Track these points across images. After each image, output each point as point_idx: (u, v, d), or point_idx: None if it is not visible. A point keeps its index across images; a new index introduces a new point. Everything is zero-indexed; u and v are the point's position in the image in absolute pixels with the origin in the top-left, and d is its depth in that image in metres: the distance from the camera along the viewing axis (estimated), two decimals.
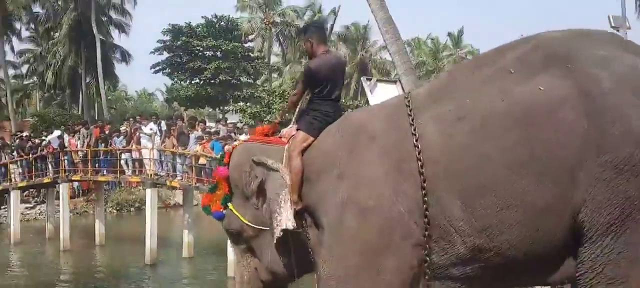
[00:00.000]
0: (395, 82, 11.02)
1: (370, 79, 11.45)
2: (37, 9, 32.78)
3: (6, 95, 31.01)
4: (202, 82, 33.88)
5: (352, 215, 2.86)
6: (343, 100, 21.33)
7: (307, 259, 3.21)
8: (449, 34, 40.37)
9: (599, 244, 2.54)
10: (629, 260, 2.53)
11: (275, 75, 40.05)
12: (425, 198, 2.69)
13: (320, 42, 3.47)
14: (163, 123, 15.06)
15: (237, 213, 3.41)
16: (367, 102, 13.66)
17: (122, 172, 15.23)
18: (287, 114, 3.98)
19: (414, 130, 2.78)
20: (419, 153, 2.73)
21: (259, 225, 3.35)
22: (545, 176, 2.55)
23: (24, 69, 37.73)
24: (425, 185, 2.70)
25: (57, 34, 33.39)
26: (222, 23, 34.42)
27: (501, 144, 2.60)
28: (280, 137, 3.46)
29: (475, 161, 2.63)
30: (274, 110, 24.20)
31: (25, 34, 35.55)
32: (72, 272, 13.44)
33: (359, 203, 2.85)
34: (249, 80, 35.40)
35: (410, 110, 2.85)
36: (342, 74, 3.52)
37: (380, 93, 9.30)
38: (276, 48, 39.12)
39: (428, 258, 2.75)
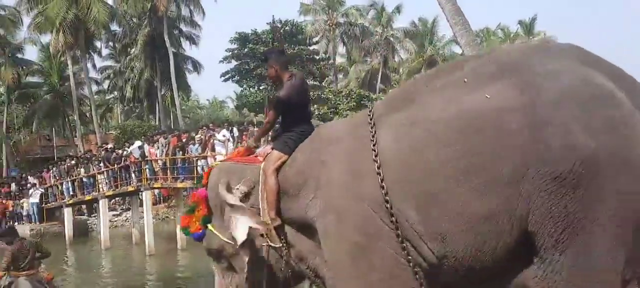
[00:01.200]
0: None
1: None
2: (114, 27, 34.76)
3: (91, 110, 33.16)
4: (270, 88, 34.57)
5: (331, 220, 2.96)
6: None
7: (286, 274, 3.34)
8: (520, 22, 38.77)
9: (549, 260, 2.50)
10: (581, 276, 2.46)
11: (340, 75, 40.17)
12: (387, 198, 2.75)
13: (283, 68, 3.61)
14: (235, 129, 15.49)
15: (217, 233, 3.51)
16: None
17: (199, 179, 15.73)
18: (257, 143, 3.96)
19: (373, 135, 2.87)
20: (376, 156, 2.81)
21: None
22: (488, 185, 2.54)
23: (105, 84, 40.25)
24: (383, 184, 2.75)
25: (133, 50, 35.33)
26: (287, 27, 34.99)
27: (448, 151, 2.63)
28: (255, 156, 3.57)
29: (424, 167, 2.68)
30: (341, 110, 24.26)
31: (105, 51, 38.04)
32: (159, 275, 14.10)
33: (335, 207, 2.95)
34: (315, 83, 35.69)
35: (371, 118, 2.96)
36: (308, 92, 3.72)
37: None
38: (341, 49, 39.26)
39: (410, 257, 2.76)
